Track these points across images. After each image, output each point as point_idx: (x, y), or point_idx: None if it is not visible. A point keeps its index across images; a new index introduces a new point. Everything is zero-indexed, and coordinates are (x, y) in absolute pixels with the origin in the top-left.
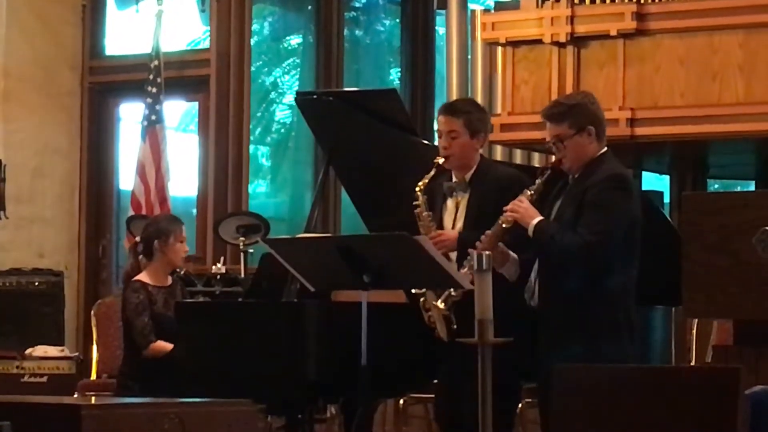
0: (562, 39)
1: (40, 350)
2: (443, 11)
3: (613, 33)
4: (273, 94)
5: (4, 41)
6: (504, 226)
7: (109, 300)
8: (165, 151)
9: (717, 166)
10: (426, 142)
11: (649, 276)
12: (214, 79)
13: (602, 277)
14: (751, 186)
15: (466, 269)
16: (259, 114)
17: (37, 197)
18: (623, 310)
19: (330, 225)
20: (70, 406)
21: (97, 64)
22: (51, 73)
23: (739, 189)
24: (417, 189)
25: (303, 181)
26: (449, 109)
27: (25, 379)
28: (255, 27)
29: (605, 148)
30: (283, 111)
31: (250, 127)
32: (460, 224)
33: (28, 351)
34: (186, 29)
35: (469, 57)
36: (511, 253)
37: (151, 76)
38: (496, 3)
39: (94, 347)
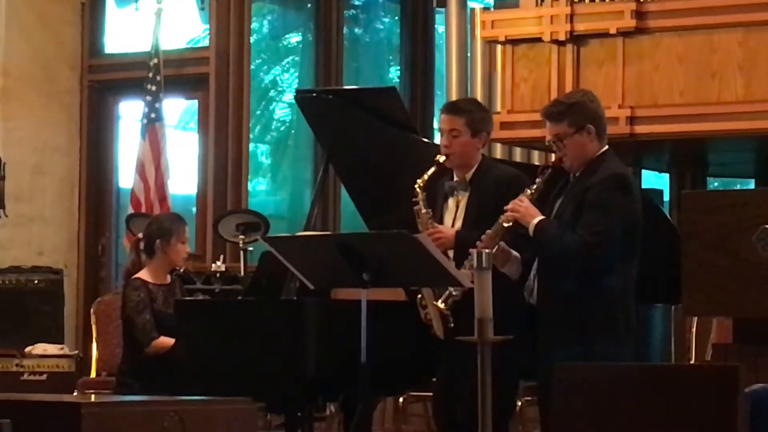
0: (562, 37)
1: (40, 348)
2: (443, 9)
3: (613, 31)
4: (272, 92)
5: (4, 40)
6: (504, 225)
7: (109, 298)
8: (164, 149)
9: (716, 165)
10: (425, 140)
11: (648, 274)
12: (214, 77)
13: (602, 277)
14: (751, 184)
15: (467, 268)
16: (258, 112)
17: (37, 195)
18: (623, 309)
19: (329, 223)
20: (69, 405)
21: (97, 63)
22: (50, 72)
23: (738, 187)
24: (416, 186)
25: (302, 179)
26: (451, 107)
27: (25, 377)
28: (254, 25)
29: (606, 147)
30: (283, 109)
31: (250, 125)
32: (459, 223)
33: (27, 349)
34: (185, 27)
35: (469, 55)
36: (513, 252)
37: (150, 74)
38: (495, 1)
39: (94, 345)
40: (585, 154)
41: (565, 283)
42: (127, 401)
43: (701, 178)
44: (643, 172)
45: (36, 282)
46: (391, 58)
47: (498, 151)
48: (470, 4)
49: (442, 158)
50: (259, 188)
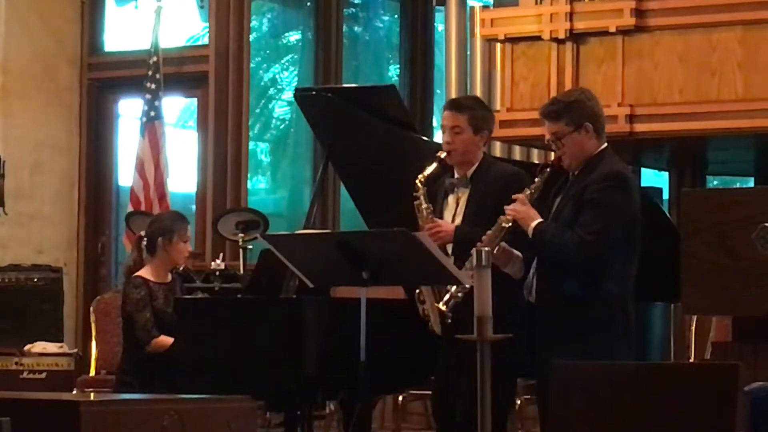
0: (561, 35)
1: (39, 346)
2: (442, 7)
3: (612, 30)
4: (272, 91)
5: (4, 37)
6: (504, 225)
7: (108, 296)
8: (164, 147)
9: (716, 163)
10: (425, 138)
11: (648, 272)
12: (213, 76)
13: (601, 276)
14: (750, 182)
15: (468, 268)
16: (258, 110)
17: (36, 193)
18: (621, 308)
19: (329, 221)
20: (69, 403)
21: (96, 60)
22: (50, 69)
23: (738, 185)
24: (418, 180)
25: (302, 177)
26: (454, 104)
27: (24, 375)
28: (254, 23)
29: (605, 145)
30: (282, 107)
31: (249, 123)
32: (459, 219)
33: (27, 347)
34: (185, 25)
35: (468, 53)
36: (515, 251)
37: (150, 72)
38: None
39: (93, 343)
40: (583, 153)
41: (563, 282)
42: (127, 399)
43: (701, 177)
44: (643, 170)
45: (35, 280)
46: (390, 56)
47: (497, 150)
48: (470, 3)
49: (443, 154)
50: (258, 186)
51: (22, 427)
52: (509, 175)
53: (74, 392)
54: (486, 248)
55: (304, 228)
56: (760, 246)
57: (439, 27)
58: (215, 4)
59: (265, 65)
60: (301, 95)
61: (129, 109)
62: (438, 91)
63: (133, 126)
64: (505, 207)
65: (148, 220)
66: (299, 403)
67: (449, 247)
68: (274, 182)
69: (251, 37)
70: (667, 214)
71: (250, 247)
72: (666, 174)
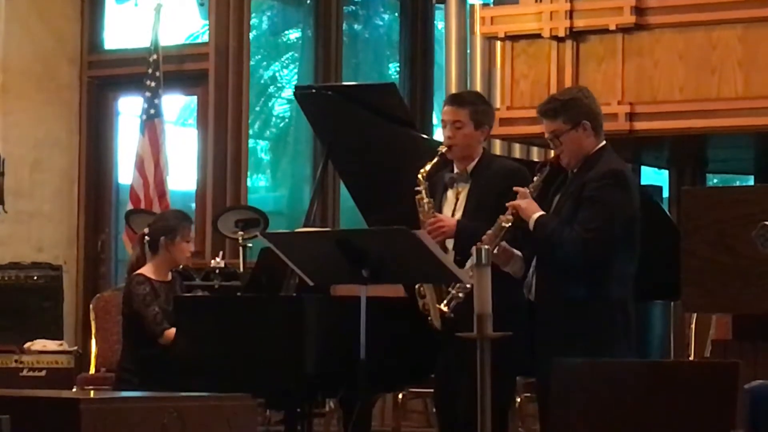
0: (561, 33)
1: (39, 344)
2: (442, 5)
3: (612, 27)
4: (272, 88)
5: (4, 35)
6: (504, 225)
7: (108, 294)
8: (164, 145)
9: (716, 161)
10: (425, 136)
11: (648, 270)
12: (213, 73)
13: (600, 275)
14: (750, 180)
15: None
16: (258, 108)
17: (36, 191)
18: (622, 308)
19: (329, 219)
20: (68, 400)
21: (96, 58)
22: (50, 67)
23: (738, 183)
24: (420, 175)
25: (302, 175)
26: (455, 99)
27: (24, 373)
28: (254, 21)
29: (604, 142)
30: (282, 105)
31: (249, 121)
32: (459, 214)
33: (26, 345)
34: (185, 23)
35: (468, 51)
36: (515, 251)
37: (149, 70)
38: None
39: (93, 341)
40: (582, 151)
41: (563, 281)
42: (127, 397)
43: (701, 175)
44: (643, 168)
45: (35, 278)
46: (390, 54)
47: (497, 148)
48: (470, 0)
49: (444, 148)
50: (258, 184)
51: (22, 424)
52: (510, 170)
53: (74, 390)
54: (486, 246)
55: (304, 226)
56: (760, 244)
57: (439, 25)
58: (215, 2)
59: (265, 63)
60: (301, 93)
61: (129, 107)
62: (438, 89)
63: (133, 124)
64: (508, 204)
65: (148, 218)
66: (299, 401)
67: (449, 243)
68: (273, 180)
69: (251, 35)
70: (667, 213)
71: (250, 245)
72: (666, 172)
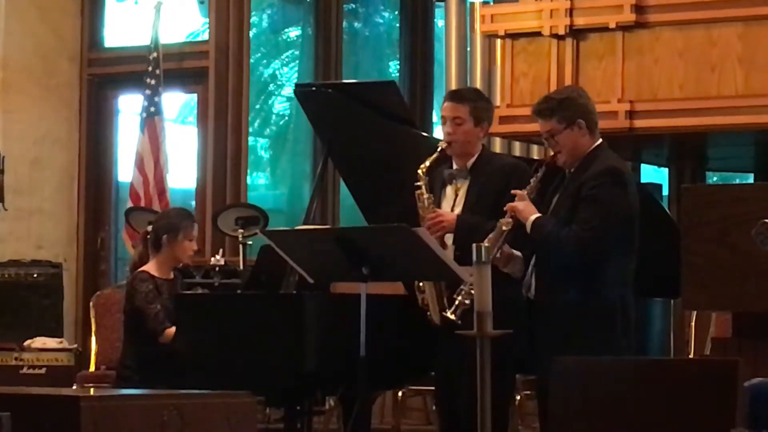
0: (561, 31)
1: (39, 342)
2: (442, 3)
3: (612, 25)
4: (272, 86)
5: (4, 32)
6: (504, 228)
7: (108, 291)
8: (164, 143)
9: (716, 159)
10: (425, 134)
11: (648, 268)
12: (213, 71)
13: (600, 274)
14: (750, 178)
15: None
16: (257, 106)
17: (36, 189)
18: (621, 307)
19: (329, 217)
20: (68, 398)
21: (97, 56)
22: (50, 65)
23: (737, 181)
24: (420, 171)
25: (302, 172)
26: (455, 95)
27: (24, 370)
28: (254, 19)
29: (600, 140)
30: (282, 103)
31: (249, 119)
32: (458, 210)
33: (26, 343)
34: (185, 21)
35: (468, 49)
36: (515, 252)
37: (150, 68)
38: None
39: (93, 339)
40: (578, 149)
41: (562, 279)
42: (127, 395)
43: (701, 173)
44: (643, 166)
45: (35, 276)
46: (390, 52)
47: (497, 146)
48: None
49: (444, 145)
50: (258, 182)
51: (22, 422)
52: (509, 166)
53: (74, 387)
54: (486, 244)
55: (304, 223)
56: (760, 242)
57: (439, 23)
58: (215, 0)
59: (265, 61)
60: (301, 91)
61: (129, 105)
62: (438, 87)
63: (132, 122)
64: (505, 208)
65: (148, 215)
66: (299, 398)
67: (449, 239)
68: (273, 178)
69: (251, 33)
70: (667, 210)
71: (250, 242)
72: (666, 170)
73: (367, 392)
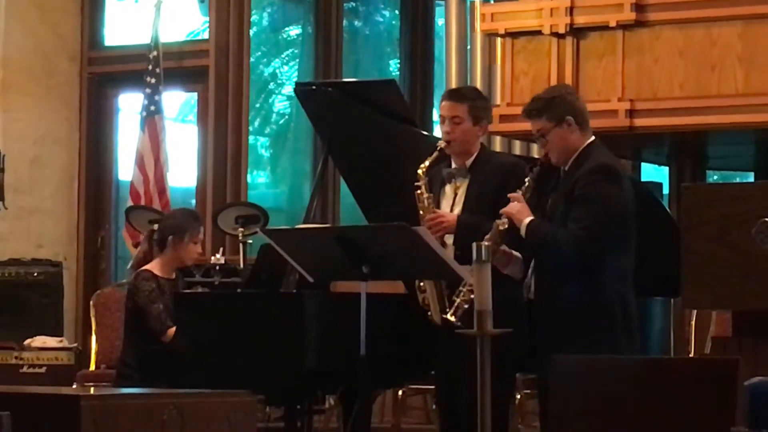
0: (561, 30)
1: (39, 341)
2: (442, 2)
3: (613, 24)
4: (272, 85)
5: (3, 31)
6: (501, 228)
7: (108, 290)
8: (164, 142)
9: (716, 158)
10: (425, 132)
11: (648, 267)
12: (213, 70)
13: (598, 273)
14: (750, 177)
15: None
16: (258, 105)
17: (36, 188)
18: (621, 305)
19: (329, 215)
20: (69, 397)
21: (96, 55)
22: (50, 63)
23: (738, 180)
24: (419, 170)
25: (302, 171)
26: (454, 94)
27: (24, 369)
28: (254, 18)
29: (592, 138)
30: (282, 102)
31: (249, 117)
32: (458, 209)
33: (26, 342)
34: (185, 20)
35: (469, 48)
36: (515, 252)
37: (150, 67)
38: None
39: (93, 338)
40: (568, 147)
41: (561, 279)
42: (127, 393)
43: (701, 171)
44: (643, 165)
45: (35, 274)
46: (390, 50)
47: (497, 144)
48: None
49: (443, 144)
50: (258, 181)
51: (22, 421)
52: (509, 164)
53: (74, 386)
54: (486, 243)
55: (304, 222)
56: (760, 241)
57: (440, 21)
58: None
59: (265, 60)
60: (301, 90)
61: (129, 104)
62: (438, 85)
63: (133, 120)
64: (501, 211)
65: (148, 214)
66: (299, 397)
67: (449, 238)
68: (274, 177)
69: (251, 32)
70: (667, 209)
71: (250, 241)
72: (666, 169)
73: (368, 391)
